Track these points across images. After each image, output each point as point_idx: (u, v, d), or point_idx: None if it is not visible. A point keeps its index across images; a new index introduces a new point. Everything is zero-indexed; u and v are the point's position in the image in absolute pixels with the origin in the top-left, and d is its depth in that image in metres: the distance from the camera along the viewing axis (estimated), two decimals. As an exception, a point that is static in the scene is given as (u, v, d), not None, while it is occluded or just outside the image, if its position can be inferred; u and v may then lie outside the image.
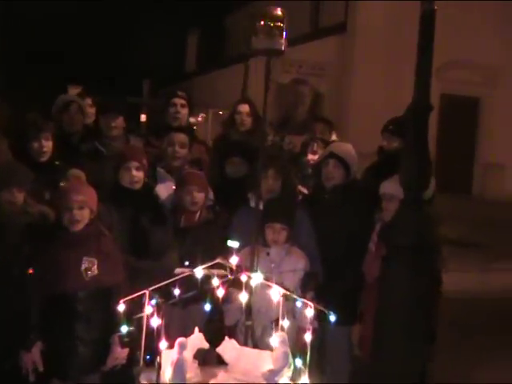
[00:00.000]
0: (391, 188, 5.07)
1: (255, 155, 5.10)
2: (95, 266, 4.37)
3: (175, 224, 5.09)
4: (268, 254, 4.84)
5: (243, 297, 3.65)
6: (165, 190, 5.27)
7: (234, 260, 3.68)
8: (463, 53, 18.25)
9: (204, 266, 3.65)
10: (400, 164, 4.81)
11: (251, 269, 4.17)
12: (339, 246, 5.20)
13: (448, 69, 17.09)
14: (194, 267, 3.61)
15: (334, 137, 7.10)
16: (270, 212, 4.86)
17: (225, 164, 5.73)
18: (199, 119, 6.76)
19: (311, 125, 7.15)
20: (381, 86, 17.45)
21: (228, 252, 3.75)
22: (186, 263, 4.36)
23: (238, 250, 3.83)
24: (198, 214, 5.16)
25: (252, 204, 5.06)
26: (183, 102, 6.26)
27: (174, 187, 5.36)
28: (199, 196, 5.10)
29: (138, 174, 4.95)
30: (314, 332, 3.55)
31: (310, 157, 6.27)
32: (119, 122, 5.77)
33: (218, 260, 3.74)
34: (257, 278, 3.57)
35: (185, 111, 6.25)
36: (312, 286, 4.86)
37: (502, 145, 18.76)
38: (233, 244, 3.96)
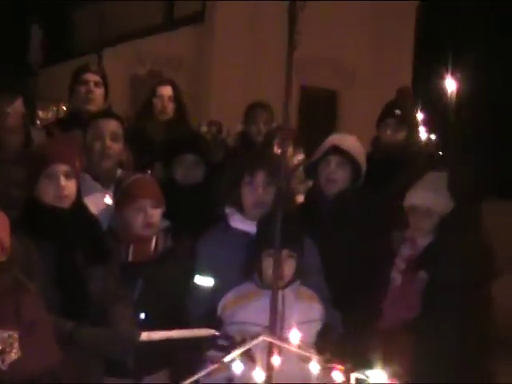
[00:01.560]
0: (426, 199, 3.70)
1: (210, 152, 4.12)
2: (16, 345, 2.52)
3: (120, 259, 3.34)
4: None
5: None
6: (93, 206, 3.42)
7: (294, 336, 2.25)
8: (321, 48, 17.74)
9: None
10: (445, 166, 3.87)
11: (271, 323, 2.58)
12: (349, 278, 3.66)
13: (307, 63, 16.25)
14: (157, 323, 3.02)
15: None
16: (269, 233, 3.21)
17: (171, 165, 3.97)
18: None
19: (250, 111, 5.52)
20: (240, 80, 16.29)
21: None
22: (142, 316, 3.27)
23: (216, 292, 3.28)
24: (153, 242, 3.42)
25: (236, 223, 3.50)
26: (97, 78, 4.45)
27: (107, 201, 3.56)
28: (155, 214, 3.39)
29: (69, 185, 3.09)
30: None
31: (277, 151, 4.64)
32: (17, 106, 3.87)
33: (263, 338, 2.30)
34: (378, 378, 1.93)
35: (100, 91, 4.41)
36: (332, 341, 3.28)
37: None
38: (203, 281, 3.36)
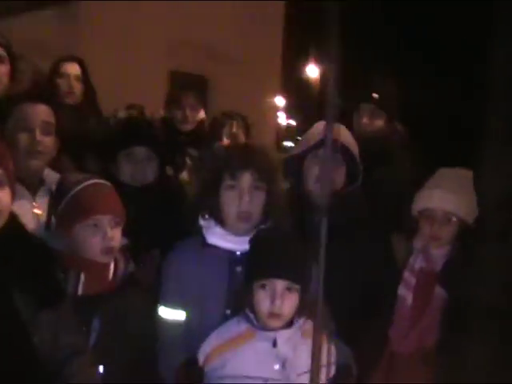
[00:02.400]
0: (445, 202, 3.02)
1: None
2: None
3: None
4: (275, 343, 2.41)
5: None
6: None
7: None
8: (191, 31, 17.15)
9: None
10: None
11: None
12: (348, 301, 2.81)
13: (177, 47, 15.82)
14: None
15: (202, 113, 4.75)
16: (264, 257, 2.45)
17: (113, 162, 3.07)
18: None
19: (174, 95, 4.66)
20: (109, 65, 15.17)
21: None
22: (100, 369, 2.37)
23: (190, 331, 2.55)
24: (111, 268, 2.55)
25: (214, 238, 2.67)
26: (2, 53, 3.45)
27: (36, 211, 2.64)
28: (116, 235, 2.55)
29: (2, 196, 2.11)
30: None
31: (227, 142, 3.79)
32: None
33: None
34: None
35: (5, 69, 3.42)
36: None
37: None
38: (171, 315, 2.60)
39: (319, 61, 25.52)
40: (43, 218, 2.69)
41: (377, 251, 2.97)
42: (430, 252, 3.01)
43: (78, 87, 4.18)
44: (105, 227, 2.47)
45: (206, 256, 2.63)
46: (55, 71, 4.19)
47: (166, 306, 2.63)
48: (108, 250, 2.48)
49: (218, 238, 2.64)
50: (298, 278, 2.41)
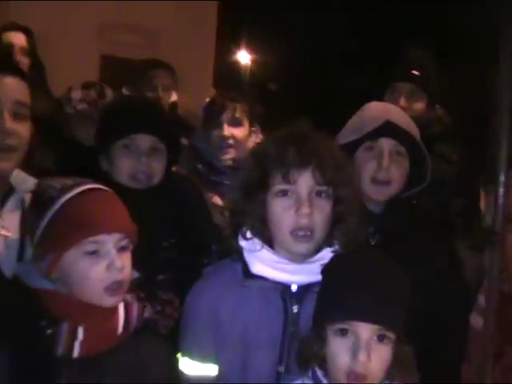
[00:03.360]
0: None
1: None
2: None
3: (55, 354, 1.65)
4: None
5: None
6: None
7: None
8: (124, 14, 16.48)
9: None
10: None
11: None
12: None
13: (109, 30, 15.35)
14: None
15: (175, 95, 4.03)
16: (346, 293, 1.72)
17: (109, 155, 2.33)
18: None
19: (145, 72, 3.89)
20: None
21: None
22: None
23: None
24: (120, 315, 1.76)
25: (261, 266, 1.91)
26: None
27: (3, 232, 1.87)
28: (125, 262, 1.74)
29: None
30: None
31: (228, 132, 2.99)
32: None
33: None
34: None
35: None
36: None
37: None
38: (193, 369, 1.87)
39: (251, 47, 24.98)
40: (13, 243, 1.86)
41: (443, 269, 2.28)
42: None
43: (23, 61, 3.50)
44: (110, 253, 1.69)
45: (250, 290, 1.89)
46: None
47: (190, 357, 1.90)
48: (116, 288, 1.70)
49: (266, 265, 1.89)
50: (394, 324, 1.69)
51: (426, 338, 2.14)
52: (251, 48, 25.03)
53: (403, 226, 2.28)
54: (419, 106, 3.01)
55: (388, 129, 2.24)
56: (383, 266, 1.74)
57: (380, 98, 2.85)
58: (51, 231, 1.70)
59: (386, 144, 2.25)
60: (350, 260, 1.79)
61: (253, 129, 3.08)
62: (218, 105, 3.01)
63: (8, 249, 1.83)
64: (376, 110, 2.34)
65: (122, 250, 1.72)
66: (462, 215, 2.94)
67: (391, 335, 1.68)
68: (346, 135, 2.33)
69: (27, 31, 3.60)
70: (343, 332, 1.67)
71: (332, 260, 1.83)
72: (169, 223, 2.20)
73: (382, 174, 2.24)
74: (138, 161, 2.24)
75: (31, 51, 3.55)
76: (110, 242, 1.70)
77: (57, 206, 1.70)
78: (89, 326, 1.68)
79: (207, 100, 3.25)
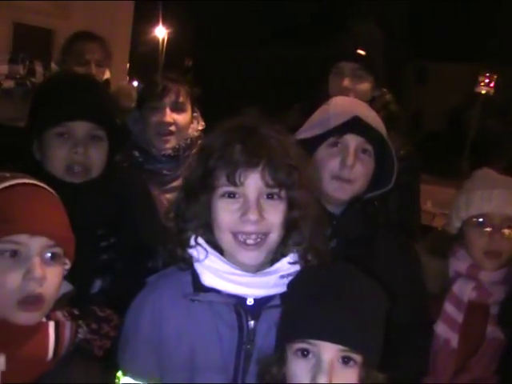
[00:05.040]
0: (508, 206, 2.24)
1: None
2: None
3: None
4: None
5: None
6: None
7: None
8: None
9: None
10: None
11: None
12: None
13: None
14: None
15: (108, 73, 3.61)
16: (307, 310, 1.51)
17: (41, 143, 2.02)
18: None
19: (72, 45, 3.50)
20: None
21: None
22: None
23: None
24: (50, 340, 1.49)
25: (212, 277, 1.66)
26: None
27: None
28: (49, 272, 1.48)
29: None
30: None
31: (169, 118, 2.70)
32: None
33: None
34: None
35: None
36: None
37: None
38: None
39: (167, 22, 24.61)
40: None
41: (404, 272, 2.10)
42: (481, 277, 2.19)
43: None
44: (30, 259, 1.43)
45: (199, 304, 1.65)
46: None
47: (132, 377, 1.64)
48: (32, 302, 1.43)
49: (218, 277, 1.66)
50: (360, 344, 1.49)
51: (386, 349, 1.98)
52: (168, 22, 24.61)
53: (363, 229, 2.09)
54: (363, 87, 2.79)
55: (355, 125, 2.04)
56: (354, 281, 1.55)
57: (311, 72, 2.63)
58: None
59: (351, 140, 2.04)
60: (315, 274, 1.59)
61: (194, 114, 2.80)
62: (160, 87, 2.70)
63: None
64: (343, 105, 2.13)
65: (49, 261, 1.46)
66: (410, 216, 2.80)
67: (358, 357, 1.49)
68: (309, 129, 2.11)
69: None
70: (304, 352, 1.48)
71: (298, 274, 1.63)
72: (108, 221, 1.91)
73: (346, 171, 2.03)
74: (74, 151, 1.94)
75: None
76: (32, 246, 1.44)
77: None
78: (11, 354, 1.40)
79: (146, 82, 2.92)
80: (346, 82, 2.76)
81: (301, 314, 1.51)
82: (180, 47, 25.60)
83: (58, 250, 1.47)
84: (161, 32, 25.31)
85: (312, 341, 1.47)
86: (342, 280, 1.54)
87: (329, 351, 1.47)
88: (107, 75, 3.57)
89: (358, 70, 2.79)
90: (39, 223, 1.45)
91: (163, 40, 25.25)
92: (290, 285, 1.60)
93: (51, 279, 1.45)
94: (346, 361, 1.48)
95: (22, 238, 1.42)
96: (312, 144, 2.06)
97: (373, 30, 2.97)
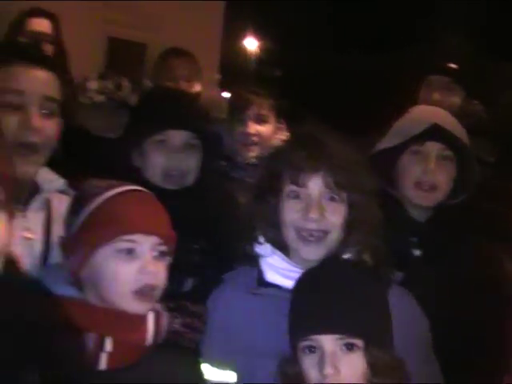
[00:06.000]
0: None
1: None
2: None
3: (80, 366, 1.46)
4: None
5: None
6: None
7: None
8: None
9: None
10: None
11: None
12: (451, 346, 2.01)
13: (114, 12, 15.18)
14: None
15: (198, 86, 3.80)
16: (308, 307, 1.73)
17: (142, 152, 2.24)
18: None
19: (164, 61, 3.72)
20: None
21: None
22: None
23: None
24: (149, 325, 1.66)
25: (274, 274, 1.90)
26: None
27: (27, 234, 1.77)
28: (160, 268, 1.66)
29: None
30: None
31: (252, 129, 2.89)
32: None
33: None
34: None
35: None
36: None
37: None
38: (213, 375, 1.81)
39: (258, 33, 24.75)
40: (37, 245, 1.77)
41: (486, 278, 2.18)
42: None
43: (47, 49, 3.28)
44: (145, 255, 1.61)
45: (263, 298, 1.86)
46: (19, 28, 3.32)
47: (210, 363, 1.85)
48: (146, 292, 1.62)
49: (278, 273, 1.87)
50: (357, 330, 1.65)
51: (466, 350, 2.07)
52: (259, 33, 24.83)
53: (451, 236, 2.19)
54: (454, 100, 2.89)
55: (435, 132, 2.16)
56: (346, 276, 1.73)
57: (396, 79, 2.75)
58: (87, 226, 1.64)
59: (432, 148, 2.17)
60: (313, 274, 1.76)
61: (278, 126, 2.98)
62: (243, 100, 2.90)
63: (31, 251, 1.73)
64: (423, 113, 2.27)
65: (158, 257, 1.64)
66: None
67: (359, 342, 1.63)
68: (391, 139, 2.26)
69: (52, 17, 3.43)
70: (311, 349, 1.64)
71: (300, 276, 1.79)
72: (200, 224, 2.10)
73: (428, 178, 2.16)
74: (172, 158, 2.14)
75: (55, 38, 3.38)
76: (146, 243, 1.62)
77: (97, 202, 1.64)
78: (117, 337, 1.59)
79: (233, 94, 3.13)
80: (437, 96, 2.88)
81: (298, 313, 1.69)
82: (269, 57, 25.79)
83: (164, 248, 1.66)
84: (251, 43, 25.57)
85: (313, 336, 1.64)
86: (335, 277, 1.73)
87: (328, 342, 1.63)
88: (197, 88, 3.78)
89: (450, 83, 2.90)
90: (152, 224, 1.64)
91: (253, 51, 25.52)
92: (292, 287, 1.78)
93: (161, 273, 1.65)
94: (349, 347, 1.63)
95: (137, 237, 1.61)
96: (394, 153, 2.22)
97: (462, 42, 3.07)
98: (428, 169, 2.14)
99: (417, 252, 2.16)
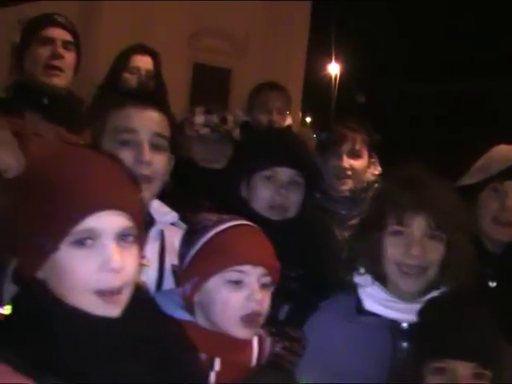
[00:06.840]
0: None
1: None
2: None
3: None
4: None
5: None
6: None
7: None
8: (214, 20, 16.44)
9: None
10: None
11: None
12: None
13: (200, 37, 16.00)
14: None
15: (289, 119, 4.00)
16: (443, 333, 1.87)
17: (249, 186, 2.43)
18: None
19: (258, 95, 3.89)
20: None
21: None
22: None
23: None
24: (254, 351, 1.81)
25: (373, 303, 2.06)
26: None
27: (144, 262, 1.84)
28: (265, 297, 1.81)
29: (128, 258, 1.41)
30: None
31: (347, 164, 3.01)
32: None
33: None
34: None
35: (71, 57, 3.03)
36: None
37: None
38: None
39: (340, 59, 24.76)
40: (152, 272, 1.94)
41: None
42: None
43: (150, 85, 3.49)
44: (252, 284, 1.76)
45: (361, 325, 2.01)
46: (123, 64, 3.50)
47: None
48: (252, 319, 1.76)
49: (377, 303, 2.03)
50: (490, 362, 1.79)
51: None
52: (341, 58, 24.89)
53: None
54: None
55: None
56: (472, 309, 1.88)
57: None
58: (201, 256, 1.80)
59: (511, 186, 2.27)
60: (447, 303, 1.92)
61: (371, 160, 3.09)
62: (338, 135, 3.04)
63: (147, 278, 1.89)
64: (504, 153, 2.37)
65: (263, 286, 1.79)
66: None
67: (488, 373, 1.77)
68: (473, 175, 2.37)
69: (154, 54, 3.61)
70: (440, 370, 1.78)
71: (428, 302, 1.95)
72: (298, 254, 2.24)
73: (506, 214, 2.27)
74: (278, 192, 2.31)
75: (156, 75, 3.56)
76: (253, 274, 1.76)
77: (210, 234, 1.81)
78: (225, 358, 1.74)
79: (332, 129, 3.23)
80: None
81: (439, 337, 1.81)
82: (353, 83, 25.75)
83: (269, 277, 1.81)
84: (334, 68, 25.59)
85: (449, 360, 1.77)
86: (466, 309, 1.87)
87: (464, 369, 1.76)
88: (289, 121, 3.96)
89: None
90: (259, 256, 1.79)
91: (336, 76, 25.51)
92: (423, 311, 1.92)
93: (266, 301, 1.79)
94: (478, 376, 1.77)
95: (246, 268, 1.76)
96: (475, 189, 2.36)
97: None
98: (506, 206, 2.24)
99: (493, 283, 2.26)
